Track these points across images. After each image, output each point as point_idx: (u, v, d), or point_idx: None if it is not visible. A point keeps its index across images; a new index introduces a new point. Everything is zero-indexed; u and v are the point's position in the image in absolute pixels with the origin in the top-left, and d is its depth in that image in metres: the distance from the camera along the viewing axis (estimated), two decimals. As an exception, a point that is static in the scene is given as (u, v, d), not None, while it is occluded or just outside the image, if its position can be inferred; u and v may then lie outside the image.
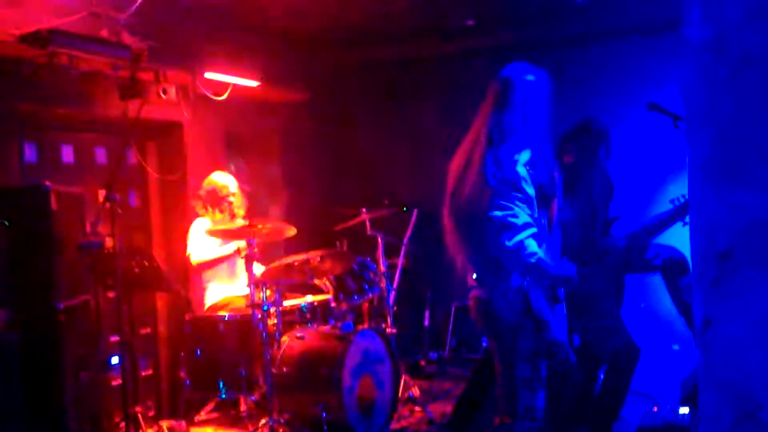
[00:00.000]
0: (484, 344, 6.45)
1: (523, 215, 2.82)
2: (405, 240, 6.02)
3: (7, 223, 3.51)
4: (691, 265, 4.42)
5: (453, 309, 6.88)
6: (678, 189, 4.13)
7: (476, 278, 3.06)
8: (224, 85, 5.51)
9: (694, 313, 1.24)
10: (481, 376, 4.20)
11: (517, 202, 2.83)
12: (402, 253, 5.94)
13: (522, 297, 2.91)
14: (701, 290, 1.21)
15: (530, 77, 3.04)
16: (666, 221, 4.12)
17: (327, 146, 6.89)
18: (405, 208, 6.14)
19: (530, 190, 2.87)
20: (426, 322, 6.76)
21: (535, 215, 2.90)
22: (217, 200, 5.11)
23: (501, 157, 2.91)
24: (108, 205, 4.12)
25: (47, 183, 3.71)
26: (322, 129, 6.76)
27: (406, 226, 6.06)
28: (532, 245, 2.80)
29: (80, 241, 3.89)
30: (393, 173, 6.89)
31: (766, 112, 1.09)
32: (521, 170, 2.87)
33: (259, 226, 4.61)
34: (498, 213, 2.81)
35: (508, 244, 2.78)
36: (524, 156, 2.91)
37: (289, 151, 6.70)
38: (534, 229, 2.84)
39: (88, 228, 4.14)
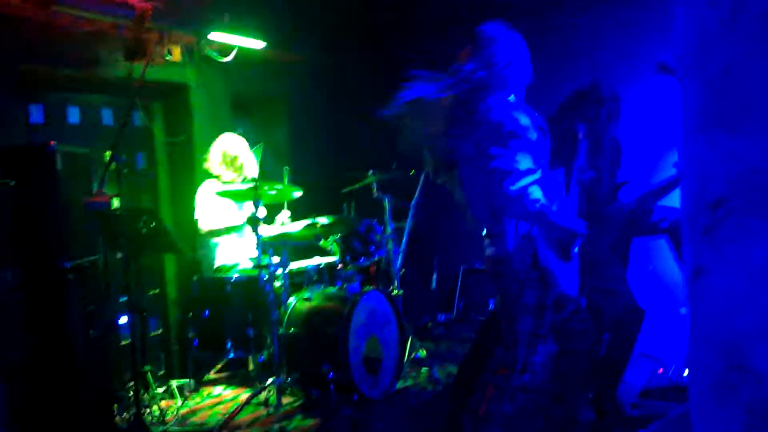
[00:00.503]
0: (492, 306, 6.50)
1: (525, 161, 2.81)
2: (413, 203, 6.01)
3: (12, 182, 3.51)
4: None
5: (461, 271, 6.90)
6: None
7: (486, 233, 3.05)
8: (230, 47, 5.48)
9: (684, 263, 1.23)
10: (485, 336, 4.22)
11: (519, 149, 2.83)
12: (410, 215, 5.93)
13: (530, 247, 2.89)
14: (691, 240, 1.20)
15: (509, 34, 3.04)
16: (672, 184, 4.08)
17: (334, 108, 6.85)
18: (412, 172, 6.12)
19: (532, 136, 2.87)
20: (434, 285, 6.79)
21: (541, 162, 2.89)
22: (228, 162, 5.12)
23: (494, 105, 2.90)
24: (114, 165, 4.14)
25: (52, 143, 3.70)
26: (328, 91, 6.72)
27: (414, 189, 6.04)
28: (536, 192, 2.79)
29: (87, 201, 3.90)
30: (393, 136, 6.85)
31: (759, 59, 1.07)
32: (521, 117, 2.87)
33: (266, 187, 4.63)
34: (500, 161, 2.81)
35: (511, 189, 2.78)
36: (520, 102, 2.91)
37: (296, 113, 6.67)
38: (537, 175, 2.83)
39: (94, 189, 4.15)
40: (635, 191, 4.13)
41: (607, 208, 4.01)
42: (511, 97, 2.98)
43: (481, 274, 6.85)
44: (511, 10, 3.57)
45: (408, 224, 5.84)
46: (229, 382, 5.19)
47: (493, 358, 3.48)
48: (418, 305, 6.65)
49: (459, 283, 6.91)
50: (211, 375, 5.21)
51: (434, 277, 6.82)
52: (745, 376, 1.14)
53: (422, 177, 6.06)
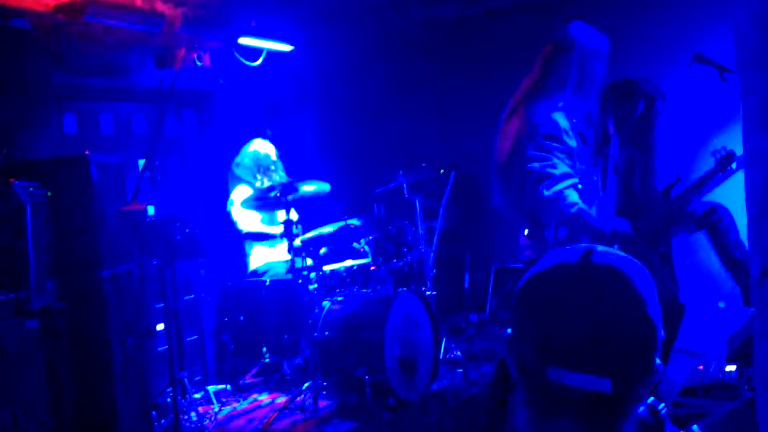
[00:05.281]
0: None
1: (561, 166, 2.77)
2: (443, 203, 5.98)
3: (49, 193, 3.54)
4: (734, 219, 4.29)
5: (493, 270, 6.85)
6: (722, 142, 4.01)
7: (528, 234, 3.02)
8: (258, 51, 5.49)
9: (749, 263, 1.19)
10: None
11: (557, 153, 2.79)
12: (440, 215, 5.90)
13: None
14: (758, 240, 1.16)
15: (587, 39, 2.98)
16: (711, 176, 4.00)
17: (362, 110, 6.83)
18: (442, 171, 6.09)
19: (571, 142, 2.82)
20: (466, 285, 6.74)
21: (579, 167, 2.85)
22: (259, 168, 5.15)
23: (540, 109, 2.86)
24: (148, 173, 4.16)
25: (87, 153, 3.73)
26: (356, 93, 6.70)
27: (444, 189, 6.01)
28: (572, 195, 2.75)
29: (122, 210, 3.93)
30: (430, 136, 6.82)
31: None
32: (561, 121, 2.83)
33: (299, 186, 4.63)
34: (536, 164, 2.77)
35: (546, 193, 2.74)
36: (566, 108, 2.86)
37: (325, 116, 6.67)
38: (574, 180, 2.79)
39: (129, 197, 4.18)
40: (675, 186, 4.06)
41: (644, 201, 3.94)
42: (560, 103, 2.92)
43: (513, 272, 6.80)
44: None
45: (438, 224, 5.81)
46: (264, 386, 5.20)
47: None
48: (450, 305, 6.61)
49: (491, 282, 6.85)
50: (247, 380, 5.21)
51: (466, 276, 6.76)
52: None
53: (451, 176, 6.03)
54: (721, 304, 5.86)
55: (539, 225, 2.92)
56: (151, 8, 4.56)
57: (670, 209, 4.10)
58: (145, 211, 4.17)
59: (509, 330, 1.21)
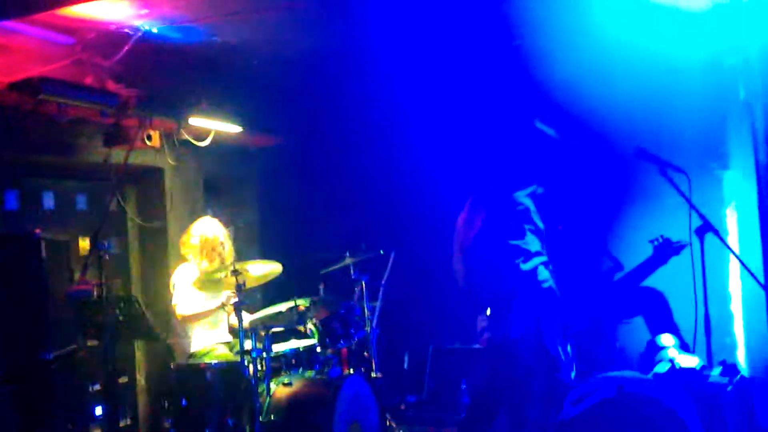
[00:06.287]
0: (464, 386, 6.49)
1: (535, 244, 2.93)
2: (383, 282, 6.04)
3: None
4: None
5: (430, 351, 6.90)
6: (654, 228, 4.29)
7: (490, 314, 3.11)
8: (204, 131, 5.53)
9: None
10: (472, 417, 4.22)
11: (528, 233, 2.95)
12: (380, 295, 5.95)
13: (537, 334, 2.97)
14: None
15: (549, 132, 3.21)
16: (651, 263, 4.23)
17: (302, 190, 6.91)
18: (382, 252, 6.18)
19: (540, 224, 2.99)
20: (405, 365, 6.75)
21: (545, 249, 3.00)
22: (208, 249, 5.05)
23: (507, 192, 3.04)
24: (96, 252, 4.08)
25: (37, 231, 3.65)
26: (298, 173, 6.80)
27: (382, 269, 6.08)
28: (544, 272, 2.90)
29: (69, 289, 3.83)
30: (367, 217, 6.94)
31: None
32: (528, 202, 3.00)
33: (246, 266, 4.60)
34: (513, 241, 2.92)
35: (524, 267, 2.88)
36: (529, 190, 3.05)
37: (265, 195, 6.72)
38: (544, 258, 2.94)
39: (75, 276, 4.09)
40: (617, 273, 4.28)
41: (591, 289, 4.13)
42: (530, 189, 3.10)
43: (450, 353, 6.86)
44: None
45: (378, 304, 5.85)
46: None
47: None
48: (389, 385, 6.59)
49: (429, 363, 6.89)
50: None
51: (405, 356, 6.79)
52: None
53: (391, 255, 6.12)
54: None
55: (507, 305, 3.02)
56: (101, 87, 4.56)
57: (613, 295, 4.31)
58: (92, 291, 4.07)
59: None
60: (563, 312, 3.03)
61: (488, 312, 3.16)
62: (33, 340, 3.56)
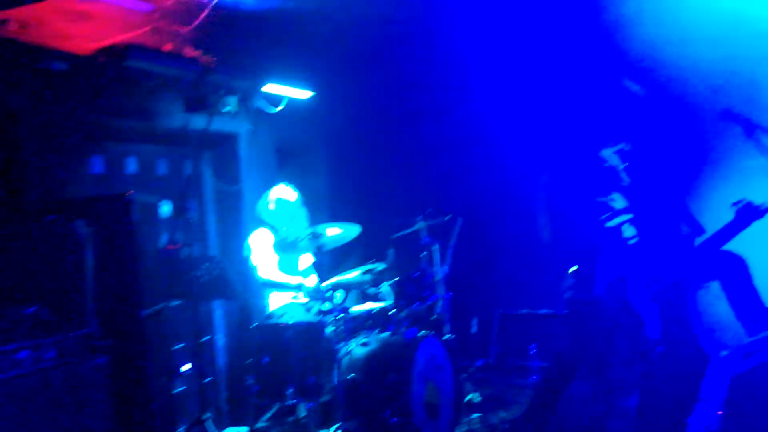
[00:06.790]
0: (532, 350, 6.51)
1: (621, 201, 2.93)
2: (450, 248, 6.07)
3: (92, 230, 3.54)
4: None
5: (497, 316, 6.93)
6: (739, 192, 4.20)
7: (574, 272, 3.12)
8: (280, 97, 5.61)
9: None
10: (551, 380, 4.25)
11: (616, 188, 2.95)
12: (447, 260, 5.99)
13: (622, 291, 2.97)
14: None
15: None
16: (733, 227, 4.16)
17: (368, 157, 6.95)
18: (448, 216, 6.20)
19: (626, 181, 2.99)
20: (473, 330, 6.80)
21: (634, 206, 3.00)
22: (283, 214, 5.22)
23: (594, 149, 3.03)
24: (180, 215, 4.23)
25: (130, 192, 3.78)
26: (368, 138, 6.84)
27: (449, 234, 6.11)
28: (630, 230, 2.90)
29: (161, 249, 3.97)
30: (436, 182, 6.96)
31: None
32: (615, 160, 3.00)
33: (325, 229, 4.70)
34: (599, 198, 2.93)
35: (609, 224, 2.89)
36: (617, 148, 3.03)
37: (335, 161, 6.79)
38: (630, 215, 2.94)
39: (161, 238, 4.23)
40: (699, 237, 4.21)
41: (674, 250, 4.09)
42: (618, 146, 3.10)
43: (517, 319, 6.88)
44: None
45: (445, 269, 5.89)
46: (281, 429, 5.17)
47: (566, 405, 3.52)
48: (457, 350, 6.65)
49: (495, 328, 6.93)
50: (263, 423, 5.19)
51: (474, 321, 6.83)
52: None
53: (458, 221, 6.14)
54: (724, 353, 6.00)
55: (591, 263, 3.03)
56: (182, 54, 4.66)
57: (694, 258, 4.26)
58: (181, 251, 4.21)
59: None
60: (648, 269, 3.02)
61: (573, 270, 3.17)
62: (128, 298, 3.71)
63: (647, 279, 3.03)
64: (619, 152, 3.11)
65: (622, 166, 3.08)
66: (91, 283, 3.33)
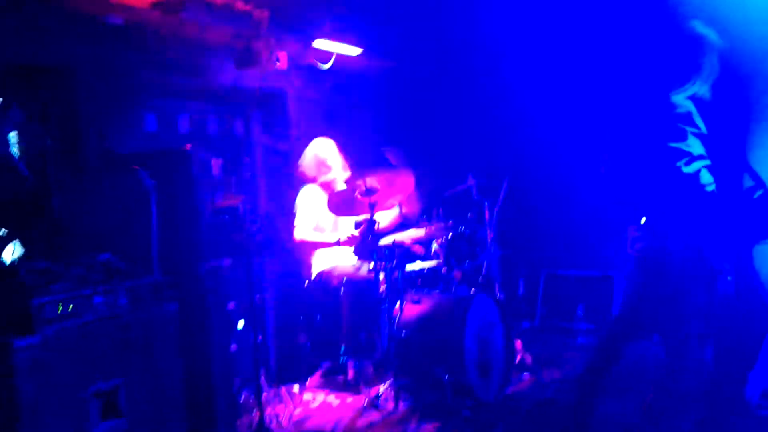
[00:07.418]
0: (579, 312, 6.46)
1: (697, 146, 2.85)
2: (497, 208, 6.01)
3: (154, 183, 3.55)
4: None
5: (543, 277, 6.88)
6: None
7: (645, 222, 3.04)
8: (327, 54, 5.55)
9: None
10: (613, 338, 4.19)
11: (690, 135, 2.87)
12: (494, 221, 5.93)
13: (697, 242, 2.89)
14: None
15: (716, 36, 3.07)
16: None
17: (416, 117, 6.88)
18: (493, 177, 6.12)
19: (702, 127, 2.90)
20: (520, 291, 6.77)
21: (711, 153, 2.92)
22: (321, 166, 5.22)
23: (664, 93, 2.95)
24: (233, 173, 4.22)
25: (189, 146, 3.77)
26: (416, 97, 6.76)
27: (497, 194, 6.05)
28: (707, 176, 2.82)
29: (218, 205, 3.97)
30: (485, 142, 6.87)
31: None
32: (689, 105, 2.91)
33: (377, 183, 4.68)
34: (673, 143, 2.85)
35: (686, 170, 2.81)
36: (690, 92, 2.95)
37: (385, 120, 6.73)
38: (707, 162, 2.86)
39: (217, 196, 4.23)
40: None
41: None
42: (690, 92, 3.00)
43: (564, 280, 6.83)
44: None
45: (492, 229, 5.84)
46: (332, 387, 5.20)
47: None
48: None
49: (541, 290, 6.88)
50: (314, 380, 5.22)
51: (521, 282, 6.79)
52: None
53: (504, 182, 6.07)
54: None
55: (665, 213, 2.95)
56: (235, 9, 4.61)
57: (753, 215, 4.15)
58: (239, 206, 4.21)
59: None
60: (727, 219, 2.94)
61: (643, 220, 3.08)
62: (189, 252, 3.72)
63: (725, 230, 2.94)
64: (693, 98, 3.01)
65: (695, 112, 2.97)
66: (156, 233, 3.34)
